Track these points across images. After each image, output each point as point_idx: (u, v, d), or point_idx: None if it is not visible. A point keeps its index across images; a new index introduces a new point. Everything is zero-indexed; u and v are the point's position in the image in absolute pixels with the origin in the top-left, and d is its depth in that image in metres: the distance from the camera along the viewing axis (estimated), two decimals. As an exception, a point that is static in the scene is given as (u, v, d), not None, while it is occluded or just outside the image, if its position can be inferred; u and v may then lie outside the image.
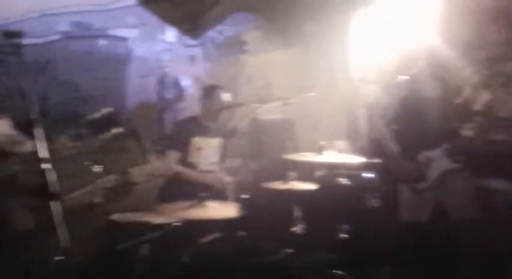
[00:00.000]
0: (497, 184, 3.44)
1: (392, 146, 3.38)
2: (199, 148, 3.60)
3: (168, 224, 2.88)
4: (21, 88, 2.78)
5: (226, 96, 3.69)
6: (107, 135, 2.74)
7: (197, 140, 3.59)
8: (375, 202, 3.61)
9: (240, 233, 3.05)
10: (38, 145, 2.37)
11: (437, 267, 3.12)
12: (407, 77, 3.47)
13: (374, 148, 3.68)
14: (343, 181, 3.48)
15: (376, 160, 3.75)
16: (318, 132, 3.93)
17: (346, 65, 4.22)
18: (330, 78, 4.13)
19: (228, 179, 3.53)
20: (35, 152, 2.35)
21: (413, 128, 3.38)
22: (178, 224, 2.88)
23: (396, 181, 3.46)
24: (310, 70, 4.27)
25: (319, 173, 3.69)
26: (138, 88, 3.94)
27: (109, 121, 2.58)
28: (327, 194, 3.47)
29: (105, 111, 2.58)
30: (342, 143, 3.90)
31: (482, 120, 3.52)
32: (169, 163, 3.55)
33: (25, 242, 2.76)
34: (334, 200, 3.41)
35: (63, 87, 3.36)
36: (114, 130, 2.59)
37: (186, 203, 3.17)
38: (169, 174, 3.54)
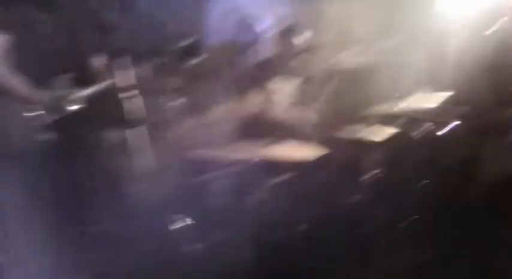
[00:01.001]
0: None
1: (484, 95, 3.21)
2: (276, 90, 3.55)
3: (246, 161, 2.89)
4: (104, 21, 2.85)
5: (305, 39, 3.61)
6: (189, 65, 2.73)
7: (275, 83, 3.55)
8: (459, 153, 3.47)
9: (318, 175, 3.02)
10: (117, 74, 2.43)
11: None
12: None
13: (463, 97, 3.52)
14: (423, 132, 3.37)
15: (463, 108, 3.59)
16: (400, 78, 3.77)
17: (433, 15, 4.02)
18: (416, 23, 3.94)
19: (307, 122, 3.47)
20: (113, 82, 2.41)
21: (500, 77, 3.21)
22: (256, 160, 2.89)
23: (482, 132, 3.30)
24: (396, 14, 4.08)
25: (400, 122, 3.58)
26: (217, 28, 3.89)
27: (191, 51, 2.57)
28: (408, 141, 3.37)
29: (187, 41, 2.57)
30: (425, 92, 3.74)
31: None
32: (247, 103, 3.53)
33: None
34: (416, 147, 3.30)
35: (146, 23, 3.37)
36: (195, 60, 2.58)
37: (264, 142, 3.19)
38: (247, 114, 3.53)
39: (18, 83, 2.38)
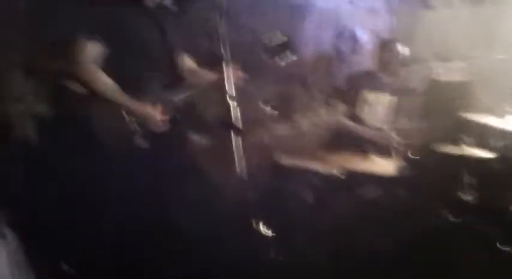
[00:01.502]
0: None
1: None
2: (369, 104, 3.54)
3: (332, 174, 2.91)
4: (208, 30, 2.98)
5: (404, 52, 3.56)
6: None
7: (368, 95, 3.54)
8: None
9: (402, 192, 2.98)
10: (226, 80, 2.53)
11: None
12: None
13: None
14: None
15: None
16: (498, 96, 3.62)
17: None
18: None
19: (396, 138, 3.43)
20: (221, 86, 2.51)
21: None
22: (342, 175, 2.91)
23: None
24: (497, 29, 3.92)
25: (497, 141, 3.44)
26: (314, 39, 3.95)
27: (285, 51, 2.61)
28: (504, 165, 3.23)
29: (281, 38, 2.60)
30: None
31: None
32: (338, 114, 3.55)
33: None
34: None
35: (244, 32, 3.49)
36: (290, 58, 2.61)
37: (350, 154, 3.21)
38: (336, 126, 3.55)
39: (118, 90, 2.52)
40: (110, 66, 2.52)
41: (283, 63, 2.59)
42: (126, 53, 2.54)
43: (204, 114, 3.23)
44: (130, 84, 2.54)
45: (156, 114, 2.56)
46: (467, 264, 2.74)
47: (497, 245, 2.87)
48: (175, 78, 2.73)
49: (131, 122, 2.52)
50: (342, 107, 3.56)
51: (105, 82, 2.50)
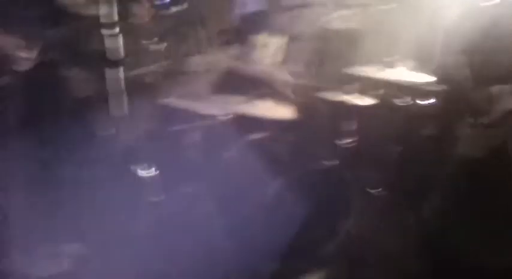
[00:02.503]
0: None
1: (465, 75, 3.18)
2: (263, 45, 3.49)
3: (221, 115, 2.87)
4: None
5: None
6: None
7: (262, 37, 3.48)
8: (430, 131, 3.50)
9: (290, 136, 3.02)
10: (101, 9, 2.34)
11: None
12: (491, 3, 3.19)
13: (445, 75, 3.49)
14: (403, 103, 3.36)
15: (442, 87, 3.58)
16: (388, 47, 3.72)
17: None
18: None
19: (289, 79, 3.43)
20: (97, 17, 2.33)
21: (489, 58, 3.15)
22: (230, 116, 2.88)
23: (459, 111, 3.30)
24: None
25: (380, 90, 3.56)
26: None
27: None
28: (384, 113, 3.36)
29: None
30: (410, 64, 3.70)
31: None
32: (230, 56, 3.48)
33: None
34: (391, 121, 3.30)
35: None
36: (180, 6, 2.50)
37: (241, 98, 3.17)
38: (228, 67, 3.48)
39: None
40: None
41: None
42: None
43: (81, 47, 3.01)
44: None
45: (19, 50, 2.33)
46: (338, 205, 2.88)
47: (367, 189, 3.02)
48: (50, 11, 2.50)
49: None
50: (235, 48, 3.49)
51: None
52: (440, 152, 3.32)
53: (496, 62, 3.10)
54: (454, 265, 2.92)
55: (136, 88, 2.81)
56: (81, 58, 2.87)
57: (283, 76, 3.45)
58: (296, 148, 3.08)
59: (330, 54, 3.77)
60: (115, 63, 2.47)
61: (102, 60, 2.46)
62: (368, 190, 3.08)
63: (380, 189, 3.13)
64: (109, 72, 2.47)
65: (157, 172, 2.56)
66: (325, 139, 3.19)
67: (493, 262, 2.87)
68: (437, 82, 3.44)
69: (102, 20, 2.39)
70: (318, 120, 3.16)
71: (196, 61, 3.40)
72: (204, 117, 2.89)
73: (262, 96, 3.26)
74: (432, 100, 3.40)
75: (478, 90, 3.23)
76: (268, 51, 3.49)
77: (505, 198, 3.01)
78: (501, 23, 3.16)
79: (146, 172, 2.52)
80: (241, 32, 3.47)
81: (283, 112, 3.11)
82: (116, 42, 2.43)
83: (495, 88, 3.12)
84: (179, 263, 2.53)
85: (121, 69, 2.59)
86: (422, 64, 3.81)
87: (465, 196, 3.07)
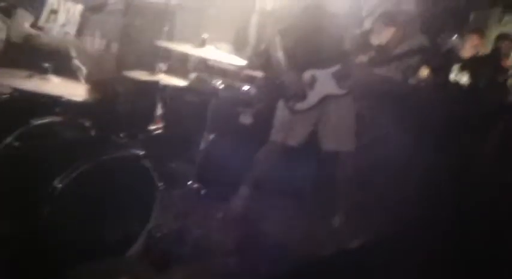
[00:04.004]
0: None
1: (280, 59, 3.01)
2: (55, 11, 2.94)
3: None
4: None
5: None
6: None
7: (54, 2, 2.93)
8: (247, 118, 3.34)
9: (85, 121, 2.54)
10: None
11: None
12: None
13: (260, 59, 3.34)
14: (219, 86, 3.11)
15: (258, 73, 3.45)
16: (203, 28, 3.44)
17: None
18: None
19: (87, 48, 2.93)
20: None
21: (307, 43, 3.02)
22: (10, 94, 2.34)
23: (275, 96, 3.14)
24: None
25: (193, 73, 3.28)
26: None
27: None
28: (197, 96, 3.09)
29: None
30: (226, 46, 3.47)
31: (376, 54, 3.29)
32: (20, 23, 2.88)
33: None
34: (204, 104, 3.02)
35: None
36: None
37: (26, 72, 2.57)
38: (18, 35, 2.88)
39: None
40: None
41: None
42: None
43: None
44: None
45: None
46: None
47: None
48: None
49: None
50: (24, 15, 2.88)
51: None
52: (259, 139, 3.15)
53: (313, 46, 2.98)
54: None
55: None
56: None
57: (82, 48, 2.95)
58: (92, 133, 2.59)
59: (138, 30, 3.39)
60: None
61: None
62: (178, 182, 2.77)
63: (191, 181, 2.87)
64: None
65: None
66: (128, 125, 2.78)
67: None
68: (252, 67, 3.29)
69: None
70: (119, 101, 2.71)
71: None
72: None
73: (50, 70, 2.67)
74: (247, 85, 3.24)
75: (292, 75, 3.08)
76: (61, 18, 2.94)
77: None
78: (319, 7, 3.05)
79: None
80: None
81: (75, 91, 2.58)
82: None
83: (311, 72, 3.00)
84: None
85: None
86: (238, 49, 3.64)
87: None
